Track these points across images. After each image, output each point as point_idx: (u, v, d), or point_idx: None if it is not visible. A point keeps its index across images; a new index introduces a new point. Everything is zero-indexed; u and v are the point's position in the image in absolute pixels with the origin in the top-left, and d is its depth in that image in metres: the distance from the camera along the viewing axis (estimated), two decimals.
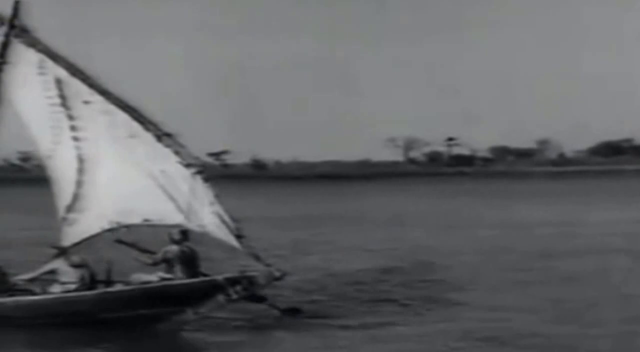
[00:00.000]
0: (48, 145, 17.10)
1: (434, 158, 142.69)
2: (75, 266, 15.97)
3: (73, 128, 16.82)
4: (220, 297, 14.76)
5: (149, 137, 15.84)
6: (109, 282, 16.23)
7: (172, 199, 15.67)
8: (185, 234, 15.70)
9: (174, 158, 15.61)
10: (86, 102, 16.48)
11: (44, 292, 15.97)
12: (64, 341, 15.19)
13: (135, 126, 15.99)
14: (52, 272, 15.99)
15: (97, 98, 16.35)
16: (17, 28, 17.10)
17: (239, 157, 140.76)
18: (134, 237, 16.61)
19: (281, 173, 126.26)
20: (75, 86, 16.56)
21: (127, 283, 15.65)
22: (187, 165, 15.51)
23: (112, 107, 16.20)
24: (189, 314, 15.03)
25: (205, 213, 15.29)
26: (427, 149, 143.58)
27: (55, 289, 15.89)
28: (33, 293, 16.06)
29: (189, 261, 15.55)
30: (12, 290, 16.16)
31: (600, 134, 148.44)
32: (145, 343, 15.16)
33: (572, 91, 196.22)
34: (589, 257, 26.06)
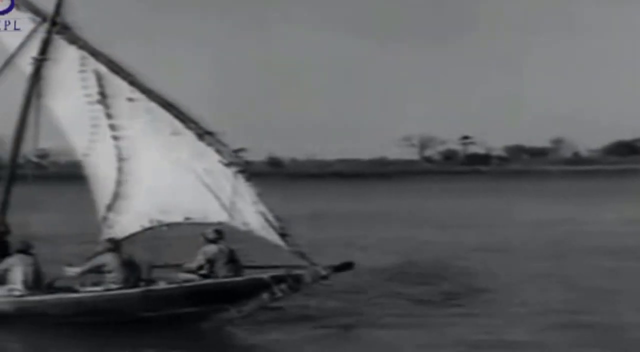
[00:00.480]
0: (85, 144, 17.09)
1: (449, 157, 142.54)
2: (124, 263, 15.94)
3: (112, 127, 16.81)
4: (265, 296, 14.71)
5: (190, 135, 15.81)
6: (149, 281, 16.24)
7: (216, 197, 15.64)
8: (220, 233, 15.68)
9: (216, 157, 15.57)
10: (129, 100, 16.47)
11: (85, 289, 15.99)
12: (105, 340, 15.13)
13: (177, 124, 15.95)
14: (100, 267, 15.93)
15: (139, 96, 16.35)
16: (58, 25, 17.13)
17: (255, 154, 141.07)
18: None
19: (297, 171, 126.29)
20: (117, 84, 16.54)
21: (169, 281, 15.63)
22: (229, 164, 15.47)
23: (153, 105, 16.18)
24: (233, 312, 14.97)
25: (249, 212, 15.26)
26: (442, 148, 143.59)
27: (101, 285, 15.88)
28: (73, 290, 16.08)
29: (229, 259, 15.51)
30: (52, 287, 16.21)
31: (615, 134, 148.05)
32: (187, 341, 15.05)
33: (586, 90, 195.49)
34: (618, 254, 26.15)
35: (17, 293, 15.86)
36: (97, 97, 16.77)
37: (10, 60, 17.53)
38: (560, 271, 22.83)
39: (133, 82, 16.31)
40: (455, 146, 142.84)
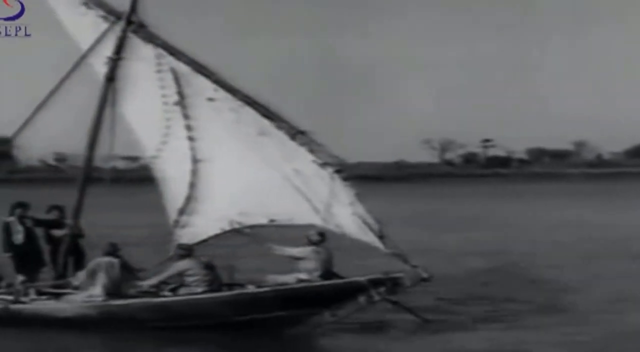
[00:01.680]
0: (156, 145, 16.68)
1: (469, 159, 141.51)
2: (204, 267, 15.53)
3: (189, 127, 16.40)
4: (362, 299, 14.29)
5: (280, 135, 15.37)
6: (231, 285, 15.84)
7: (306, 198, 15.18)
8: (323, 235, 15.24)
9: (309, 157, 15.11)
10: (210, 99, 16.06)
11: (170, 293, 15.61)
12: (192, 345, 14.81)
13: (266, 124, 15.52)
14: (180, 274, 15.55)
15: (222, 95, 15.92)
16: (134, 23, 16.78)
17: None
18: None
19: None
20: (199, 83, 16.14)
21: (259, 285, 15.21)
22: (324, 165, 15.02)
23: (239, 104, 15.76)
24: (326, 316, 14.57)
25: (345, 214, 14.79)
26: (462, 151, 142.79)
27: (183, 291, 15.47)
28: (159, 294, 15.71)
29: (327, 262, 15.10)
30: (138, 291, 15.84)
31: (637, 136, 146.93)
32: (278, 346, 14.73)
33: (608, 92, 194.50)
34: None
35: (99, 297, 15.51)
36: (174, 97, 16.39)
37: (81, 60, 17.18)
38: None
39: (217, 80, 15.89)
40: (476, 149, 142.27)
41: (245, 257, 18.87)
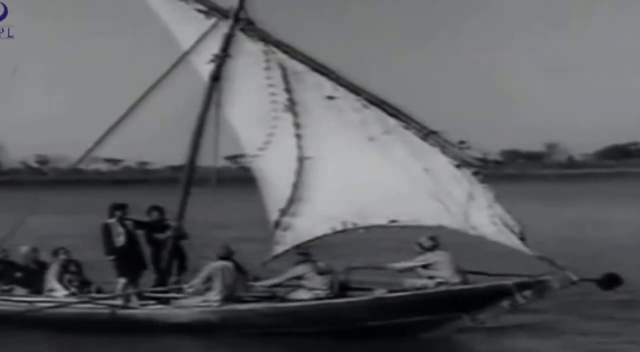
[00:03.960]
0: (258, 144, 16.17)
1: None
2: (322, 272, 15.06)
3: (297, 125, 15.91)
4: (505, 303, 13.91)
5: (409, 134, 14.89)
6: (345, 289, 15.32)
7: (435, 199, 14.71)
8: (435, 240, 14.81)
9: (443, 157, 14.67)
10: (329, 98, 15.56)
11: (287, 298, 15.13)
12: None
13: (392, 123, 15.05)
14: (298, 278, 15.07)
15: (343, 93, 15.44)
16: (242, 21, 16.27)
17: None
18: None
19: None
20: (315, 81, 15.64)
21: (391, 289, 14.73)
22: (460, 165, 14.59)
23: (362, 103, 15.26)
24: (466, 320, 14.17)
25: (483, 215, 14.32)
26: None
27: (302, 295, 15.00)
28: (275, 299, 15.24)
29: (455, 265, 14.68)
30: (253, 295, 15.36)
31: (608, 138, 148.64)
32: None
33: (579, 94, 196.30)
34: None
35: (216, 302, 14.99)
36: (283, 94, 15.88)
37: (182, 58, 16.63)
38: None
39: (338, 79, 15.40)
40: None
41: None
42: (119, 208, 16.37)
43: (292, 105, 15.89)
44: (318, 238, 15.98)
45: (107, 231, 16.23)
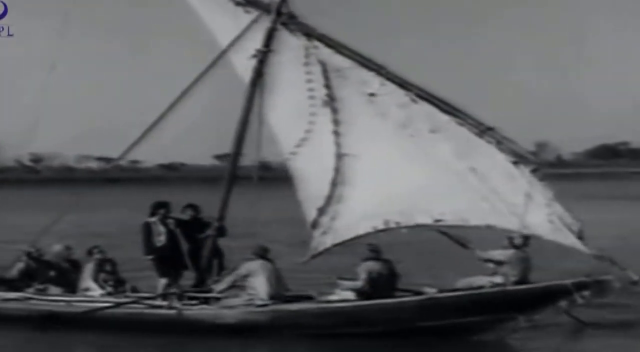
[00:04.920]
0: (295, 141, 15.86)
1: None
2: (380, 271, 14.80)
3: (336, 122, 15.64)
4: (562, 303, 13.69)
5: (462, 131, 14.63)
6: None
7: (484, 199, 14.41)
8: (527, 238, 14.45)
9: (499, 155, 14.39)
10: (371, 95, 15.31)
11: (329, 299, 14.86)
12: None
13: (444, 119, 14.77)
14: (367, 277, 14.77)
15: (389, 90, 15.15)
16: (284, 15, 15.99)
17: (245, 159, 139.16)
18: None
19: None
20: (360, 76, 15.35)
21: (441, 289, 14.51)
22: (517, 163, 14.33)
23: (410, 99, 14.97)
24: (520, 321, 13.91)
25: (539, 214, 14.04)
26: None
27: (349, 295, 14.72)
28: (314, 299, 14.98)
29: (527, 269, 14.42)
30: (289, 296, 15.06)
31: (597, 138, 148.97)
32: None
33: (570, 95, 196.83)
34: None
35: (260, 302, 14.72)
36: (322, 90, 15.61)
37: (221, 55, 16.34)
38: None
39: (387, 74, 15.12)
40: None
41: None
42: (161, 207, 16.06)
43: (331, 102, 15.60)
44: (359, 237, 15.67)
45: (147, 230, 15.93)
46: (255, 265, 14.96)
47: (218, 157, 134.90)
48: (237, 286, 14.98)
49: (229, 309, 14.77)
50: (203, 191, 18.30)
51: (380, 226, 15.45)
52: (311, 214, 15.86)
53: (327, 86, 15.61)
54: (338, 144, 15.66)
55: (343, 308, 14.41)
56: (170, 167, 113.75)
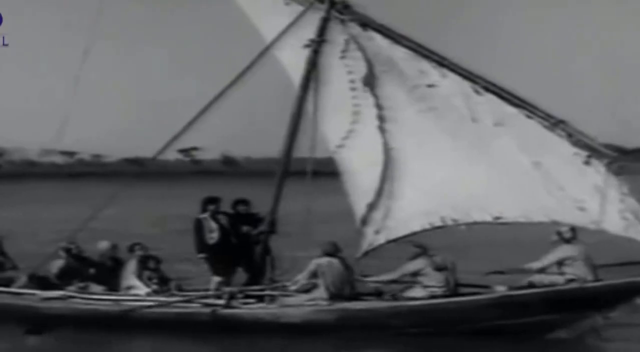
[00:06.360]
0: (342, 134, 15.40)
1: None
2: (439, 268, 14.47)
3: (381, 118, 15.24)
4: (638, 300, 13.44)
5: (531, 124, 14.23)
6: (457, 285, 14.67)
7: (549, 194, 14.08)
8: (574, 231, 14.17)
9: (570, 148, 14.04)
10: (430, 86, 14.90)
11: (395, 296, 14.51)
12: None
13: (511, 112, 14.37)
14: (415, 274, 14.47)
15: (451, 81, 14.69)
16: (338, 4, 15.57)
17: (208, 153, 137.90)
18: None
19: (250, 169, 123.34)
20: (417, 68, 14.89)
21: (511, 286, 14.13)
22: (590, 156, 13.99)
23: (476, 90, 14.53)
24: (597, 319, 13.65)
25: (610, 210, 13.69)
26: None
27: (417, 292, 14.40)
28: (381, 296, 14.60)
29: (589, 260, 14.12)
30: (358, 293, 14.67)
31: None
32: None
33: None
34: None
35: (323, 300, 14.33)
36: (365, 81, 15.21)
37: (269, 46, 15.87)
38: None
39: (450, 65, 14.69)
40: None
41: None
42: (212, 202, 15.52)
43: (373, 98, 15.17)
44: (415, 233, 15.27)
45: (199, 227, 15.38)
46: (323, 262, 14.56)
47: (181, 151, 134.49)
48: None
49: (294, 308, 14.31)
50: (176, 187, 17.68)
51: (437, 223, 15.05)
52: (360, 209, 15.44)
53: (370, 76, 15.18)
54: (386, 138, 15.24)
55: (414, 307, 14.01)
56: (134, 161, 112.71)
